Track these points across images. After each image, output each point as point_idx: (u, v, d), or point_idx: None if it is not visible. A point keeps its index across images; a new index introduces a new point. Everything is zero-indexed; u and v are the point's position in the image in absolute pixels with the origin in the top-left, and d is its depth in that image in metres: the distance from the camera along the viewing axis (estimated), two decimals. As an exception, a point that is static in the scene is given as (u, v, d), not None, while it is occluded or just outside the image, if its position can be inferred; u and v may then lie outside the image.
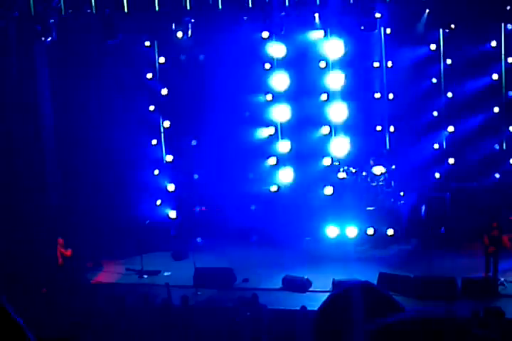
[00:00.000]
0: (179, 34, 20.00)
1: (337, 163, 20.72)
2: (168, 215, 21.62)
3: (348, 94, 20.92)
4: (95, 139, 20.25)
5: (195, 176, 22.06)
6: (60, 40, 18.52)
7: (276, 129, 21.49)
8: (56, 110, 19.26)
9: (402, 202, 20.62)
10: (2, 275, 16.74)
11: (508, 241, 17.54)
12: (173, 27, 19.93)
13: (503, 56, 20.03)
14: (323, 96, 20.85)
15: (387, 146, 21.27)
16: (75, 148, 19.97)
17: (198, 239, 20.09)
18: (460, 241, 18.69)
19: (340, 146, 20.76)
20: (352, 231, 19.56)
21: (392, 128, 21.11)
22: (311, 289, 16.62)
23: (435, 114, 20.88)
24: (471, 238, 18.01)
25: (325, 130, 21.01)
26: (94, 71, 19.56)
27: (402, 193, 20.66)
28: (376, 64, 20.81)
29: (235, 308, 15.10)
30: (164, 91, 21.65)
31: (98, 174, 20.43)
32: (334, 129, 21.07)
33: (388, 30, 20.27)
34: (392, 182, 20.58)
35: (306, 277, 17.01)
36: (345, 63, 20.70)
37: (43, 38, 18.12)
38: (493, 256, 17.23)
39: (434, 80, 20.72)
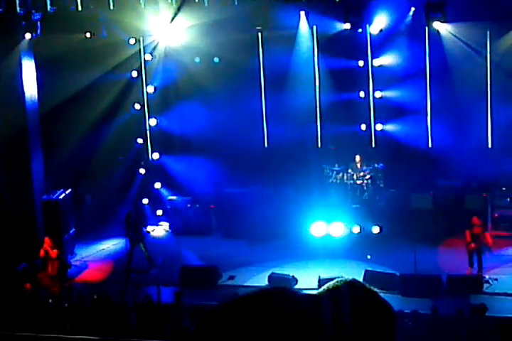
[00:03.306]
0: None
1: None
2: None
3: (333, 92, 20.98)
4: (82, 135, 20.17)
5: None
6: (44, 37, 18.39)
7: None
8: (42, 106, 19.15)
9: (387, 199, 20.69)
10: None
11: (490, 239, 17.60)
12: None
13: (488, 54, 20.09)
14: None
15: (373, 144, 21.30)
16: (62, 144, 19.88)
17: None
18: (445, 239, 18.78)
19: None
20: (338, 229, 19.59)
21: (378, 127, 21.16)
22: (297, 286, 16.63)
23: (421, 112, 20.92)
24: (456, 235, 18.09)
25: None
26: (80, 68, 19.48)
27: (387, 191, 20.70)
28: (361, 63, 20.85)
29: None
30: (150, 89, 21.55)
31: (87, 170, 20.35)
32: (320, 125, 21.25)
33: (374, 29, 20.27)
34: (378, 180, 20.59)
35: (292, 274, 17.04)
36: (331, 61, 20.77)
37: (27, 35, 17.99)
38: (477, 253, 17.30)
39: (420, 78, 20.75)
